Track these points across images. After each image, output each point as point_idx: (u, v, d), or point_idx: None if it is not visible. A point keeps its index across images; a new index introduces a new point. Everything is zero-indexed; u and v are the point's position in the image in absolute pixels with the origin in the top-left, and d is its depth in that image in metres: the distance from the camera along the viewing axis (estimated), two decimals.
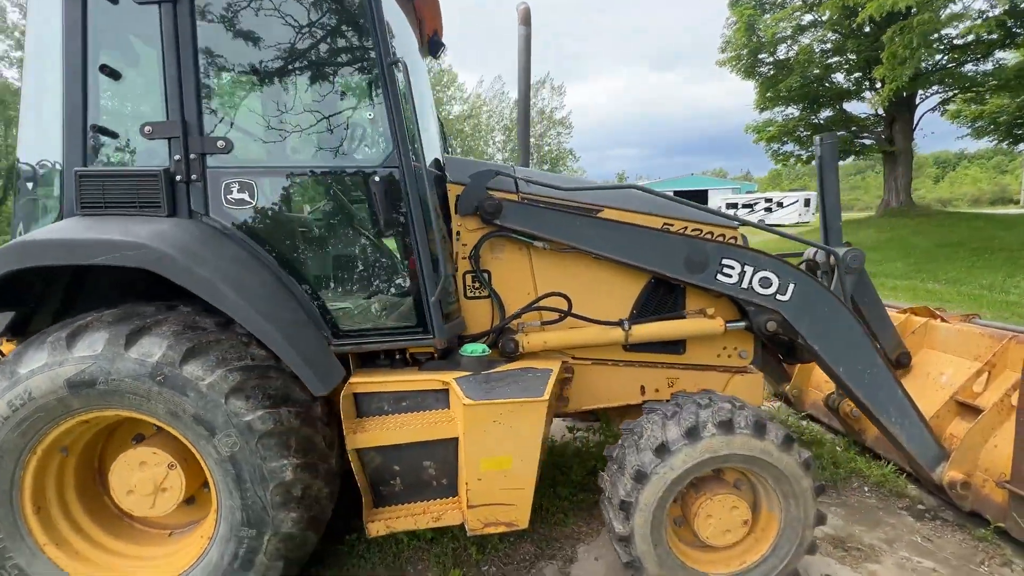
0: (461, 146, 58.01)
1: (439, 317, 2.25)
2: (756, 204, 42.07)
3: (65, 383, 1.81)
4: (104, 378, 1.82)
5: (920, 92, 15.88)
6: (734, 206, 43.67)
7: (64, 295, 2.26)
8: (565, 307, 2.57)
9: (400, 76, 2.14)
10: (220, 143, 2.08)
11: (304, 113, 2.30)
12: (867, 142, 17.75)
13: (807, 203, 39.50)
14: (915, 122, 16.72)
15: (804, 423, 3.83)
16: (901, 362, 3.21)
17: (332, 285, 2.23)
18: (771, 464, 2.01)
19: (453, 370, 2.33)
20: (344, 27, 2.20)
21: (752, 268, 2.52)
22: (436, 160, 2.77)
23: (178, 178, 2.05)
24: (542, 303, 2.57)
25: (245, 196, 2.11)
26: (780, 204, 40.31)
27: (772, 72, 17.32)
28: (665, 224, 2.70)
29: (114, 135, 2.12)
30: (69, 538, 2.04)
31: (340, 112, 2.26)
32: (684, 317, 2.64)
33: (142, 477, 2.03)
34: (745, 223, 2.78)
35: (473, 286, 2.63)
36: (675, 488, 2.03)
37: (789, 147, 18.42)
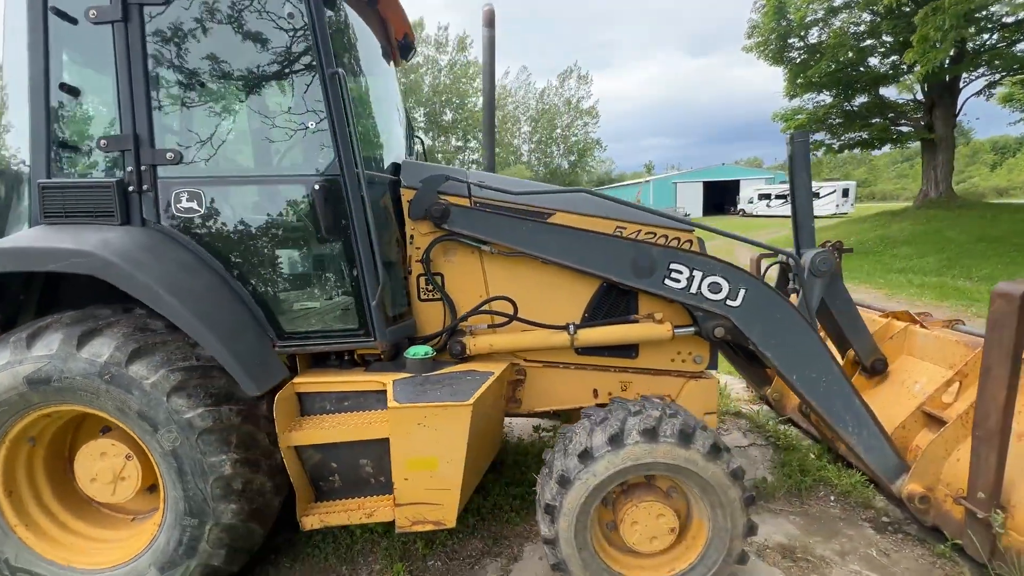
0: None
1: (381, 320, 2.32)
2: (790, 194, 40.46)
3: (24, 380, 1.97)
4: (58, 376, 1.97)
5: (964, 75, 14.89)
6: (766, 197, 42.13)
7: (44, 298, 2.45)
8: (512, 311, 2.61)
9: (341, 85, 2.20)
10: (169, 155, 2.19)
11: (250, 123, 2.39)
12: (904, 129, 16.78)
13: (845, 193, 37.73)
14: (958, 107, 15.68)
15: (784, 427, 3.74)
16: (876, 368, 3.10)
17: (277, 289, 2.32)
18: (696, 473, 2.00)
19: (397, 371, 2.40)
20: (286, 38, 2.26)
21: (701, 273, 2.48)
22: (394, 164, 2.83)
23: (131, 188, 2.18)
24: (489, 307, 2.61)
25: (194, 204, 2.22)
26: (816, 195, 38.50)
27: (803, 57, 16.57)
28: (618, 228, 2.69)
29: (76, 148, 2.27)
30: (39, 520, 2.23)
31: (284, 121, 2.34)
32: (632, 322, 2.62)
33: (103, 466, 2.20)
34: (698, 227, 2.73)
35: (427, 289, 2.69)
36: (598, 494, 2.04)
37: (820, 136, 17.60)
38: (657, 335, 2.56)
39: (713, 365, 2.78)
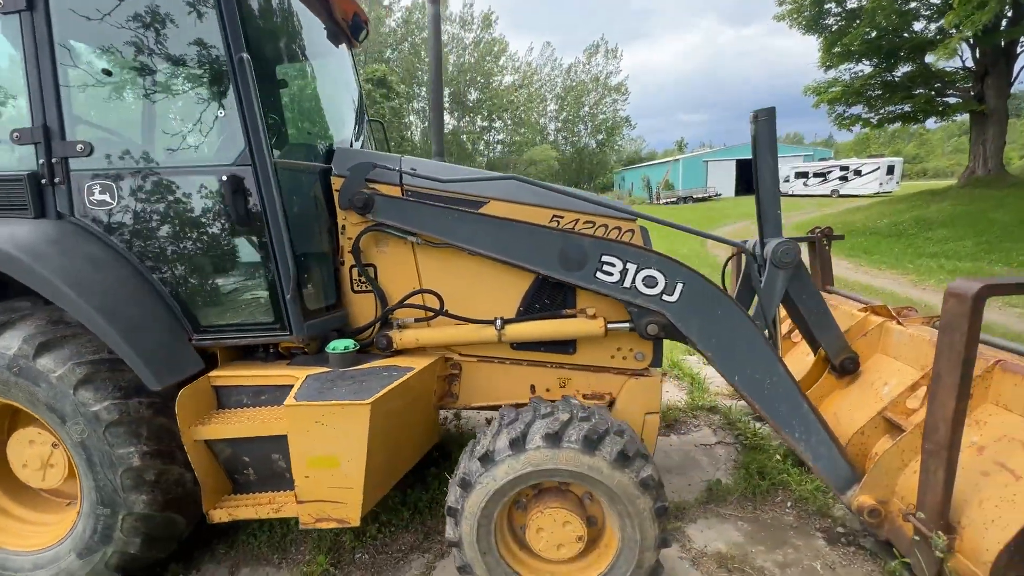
0: (512, 117, 57.24)
1: (297, 314, 2.28)
2: (829, 173, 38.26)
3: None
4: None
5: (1022, 40, 13.53)
6: (804, 175, 40.05)
7: None
8: (438, 304, 2.52)
9: (249, 72, 2.11)
10: (79, 146, 2.18)
11: (163, 113, 2.35)
12: (952, 100, 15.46)
13: (890, 171, 35.45)
14: (1013, 76, 14.30)
15: (758, 425, 3.54)
16: (846, 368, 2.86)
17: (192, 282, 2.30)
18: (600, 482, 1.89)
19: (319, 365, 2.37)
20: (196, 26, 2.19)
21: (635, 266, 2.32)
22: (328, 151, 2.75)
23: (43, 181, 2.18)
24: (422, 300, 2.53)
25: (106, 197, 2.21)
26: (858, 172, 36.40)
27: (839, 24, 15.41)
28: (554, 217, 2.54)
29: None
30: None
31: (195, 111, 2.28)
32: (563, 316, 2.49)
33: (31, 453, 2.27)
34: (639, 216, 2.54)
35: (359, 280, 2.63)
36: (500, 498, 1.96)
37: (856, 110, 16.44)
38: (588, 331, 2.43)
39: (657, 362, 2.62)
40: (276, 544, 2.62)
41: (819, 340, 2.87)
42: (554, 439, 1.89)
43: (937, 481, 1.94)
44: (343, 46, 3.34)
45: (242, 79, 2.11)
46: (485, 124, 55.10)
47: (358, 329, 2.60)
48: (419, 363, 2.39)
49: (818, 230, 3.80)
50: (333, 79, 3.31)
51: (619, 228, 2.54)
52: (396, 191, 2.56)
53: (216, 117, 2.25)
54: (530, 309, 2.57)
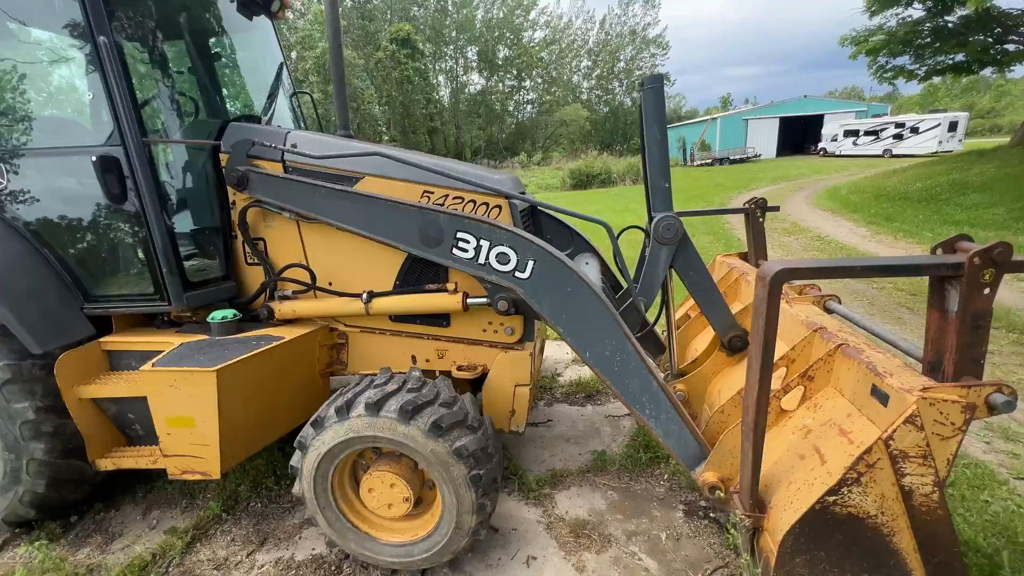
0: (543, 76, 55.31)
1: (176, 286, 2.45)
2: (883, 130, 35.28)
3: None
4: None
5: None
6: (853, 134, 37.17)
7: None
8: (309, 278, 2.64)
9: (111, 53, 2.21)
10: None
11: (46, 96, 2.49)
12: (1012, 47, 13.79)
13: (952, 127, 32.36)
14: None
15: None
16: (734, 345, 2.81)
17: (80, 256, 2.50)
18: (415, 450, 2.01)
19: (202, 333, 2.56)
20: (65, 10, 2.28)
21: (488, 243, 2.34)
22: (222, 126, 2.84)
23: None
24: (288, 274, 2.65)
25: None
26: (914, 130, 33.41)
27: None
28: (425, 192, 2.57)
29: None
30: None
31: (74, 93, 2.41)
32: (427, 291, 2.56)
33: None
34: (509, 196, 2.52)
35: (251, 254, 2.77)
36: (332, 460, 2.12)
37: (901, 61, 14.95)
38: (447, 306, 2.49)
39: (528, 336, 2.67)
40: (187, 490, 2.92)
41: (707, 317, 2.83)
42: (374, 408, 2.01)
43: (748, 461, 1.95)
44: (261, 19, 3.38)
45: (107, 61, 2.21)
46: (514, 83, 53.52)
47: (246, 300, 2.77)
48: (293, 333, 2.54)
49: (752, 202, 3.64)
50: (247, 54, 3.36)
51: (487, 204, 2.54)
52: (277, 167, 2.64)
53: (90, 99, 2.38)
54: (406, 283, 2.65)
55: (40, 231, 2.46)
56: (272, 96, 3.43)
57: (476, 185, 2.53)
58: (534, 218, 3.25)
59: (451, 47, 47.83)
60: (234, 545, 2.51)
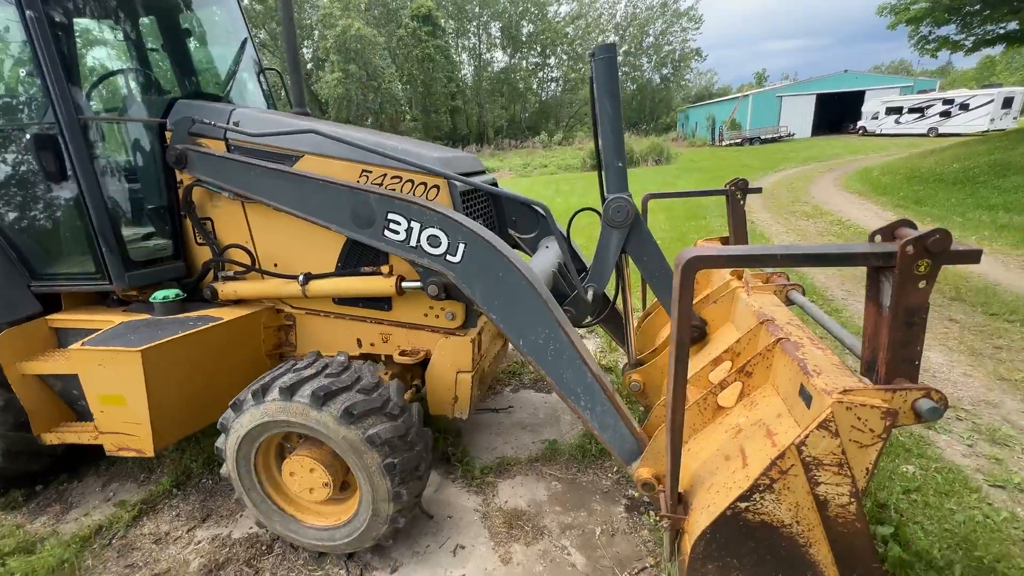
0: (568, 52, 53.76)
1: (117, 265, 2.46)
2: (929, 107, 33.04)
3: None
4: None
5: None
6: (896, 111, 34.95)
7: None
8: (248, 260, 2.60)
9: (42, 29, 2.18)
10: None
11: None
12: None
13: (1007, 104, 30.07)
14: None
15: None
16: (690, 336, 2.67)
17: (25, 234, 2.53)
18: (328, 436, 1.97)
19: (146, 312, 2.57)
20: None
21: (419, 224, 2.25)
22: (169, 103, 2.80)
23: None
24: (230, 254, 2.63)
25: None
26: (964, 107, 31.18)
27: None
28: (364, 171, 2.48)
29: None
30: None
31: (12, 71, 2.40)
32: (360, 274, 2.49)
33: None
34: (442, 175, 2.40)
35: (200, 233, 2.76)
36: (252, 442, 2.11)
37: (946, 30, 13.82)
38: (382, 289, 2.43)
39: (471, 322, 2.59)
40: (146, 465, 2.99)
41: (662, 305, 2.69)
42: (288, 392, 1.97)
43: (668, 459, 1.84)
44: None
45: (38, 37, 2.18)
46: (538, 60, 52.31)
47: (192, 281, 2.76)
48: (233, 314, 2.53)
49: (732, 184, 3.42)
50: (206, 30, 3.30)
51: (425, 184, 2.44)
52: (220, 146, 2.60)
53: (27, 76, 2.36)
54: (347, 265, 2.59)
55: None
56: (231, 74, 3.38)
57: (412, 164, 2.42)
58: (496, 200, 3.13)
59: (474, 23, 46.91)
60: (178, 520, 2.56)
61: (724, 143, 39.22)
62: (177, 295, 2.58)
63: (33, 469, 2.75)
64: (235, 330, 2.54)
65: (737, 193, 3.41)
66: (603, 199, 2.50)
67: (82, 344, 2.20)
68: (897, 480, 2.44)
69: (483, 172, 3.06)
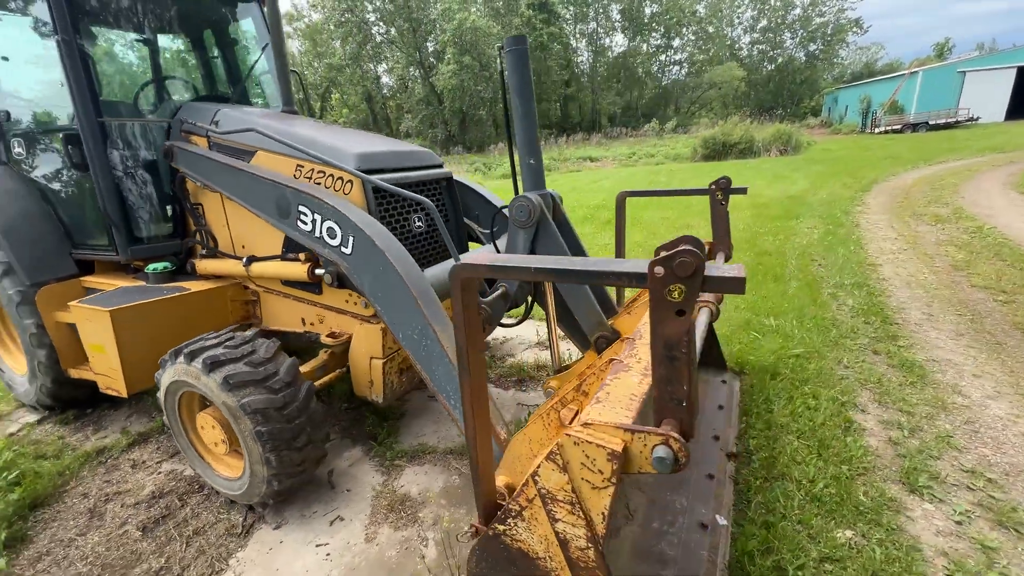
0: (697, 32, 49.81)
1: (123, 240, 3.04)
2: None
3: None
4: None
5: None
6: None
7: None
8: (213, 243, 3.00)
9: (70, 51, 2.76)
10: (1, 114, 3.17)
11: (46, 85, 3.18)
12: None
13: None
14: None
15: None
16: (599, 346, 2.48)
17: (69, 212, 3.21)
18: (214, 399, 2.25)
19: (142, 280, 3.14)
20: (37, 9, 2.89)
21: (320, 217, 2.43)
22: (179, 105, 3.32)
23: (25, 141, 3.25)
24: (200, 235, 3.06)
25: (22, 150, 3.20)
26: None
27: None
28: (298, 166, 2.72)
29: None
30: None
31: (56, 83, 3.05)
32: (284, 259, 2.74)
33: None
34: (350, 172, 2.52)
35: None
36: (174, 396, 2.49)
37: None
38: (296, 274, 2.66)
39: None
40: (144, 406, 3.65)
41: (574, 313, 2.54)
42: (189, 357, 2.30)
43: (473, 471, 1.79)
44: (249, 5, 3.79)
45: (69, 56, 2.77)
46: (661, 42, 49.37)
47: (181, 257, 3.27)
48: (201, 287, 2.97)
49: (716, 182, 3.06)
50: (227, 39, 3.81)
51: (341, 179, 2.59)
52: (204, 142, 3.03)
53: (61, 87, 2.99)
54: (288, 251, 2.87)
55: (45, 191, 3.22)
56: (239, 77, 3.86)
57: (324, 160, 2.56)
58: (451, 194, 3.18)
59: (593, 7, 45.70)
60: (156, 453, 3.10)
61: (879, 129, 33.54)
62: (166, 267, 3.10)
63: (77, 396, 3.52)
64: (201, 300, 2.97)
65: (718, 193, 3.06)
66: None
67: (78, 302, 2.77)
68: (821, 544, 2.06)
69: (434, 166, 3.12)
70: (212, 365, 2.24)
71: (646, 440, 1.24)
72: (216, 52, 3.90)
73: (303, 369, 2.67)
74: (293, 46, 41.87)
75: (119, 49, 3.57)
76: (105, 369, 2.83)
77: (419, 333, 2.25)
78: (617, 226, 3.37)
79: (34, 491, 2.71)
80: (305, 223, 2.48)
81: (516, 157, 2.51)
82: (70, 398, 3.51)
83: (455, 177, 3.22)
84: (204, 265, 3.09)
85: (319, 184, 2.64)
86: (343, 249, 2.38)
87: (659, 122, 38.04)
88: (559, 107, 43.51)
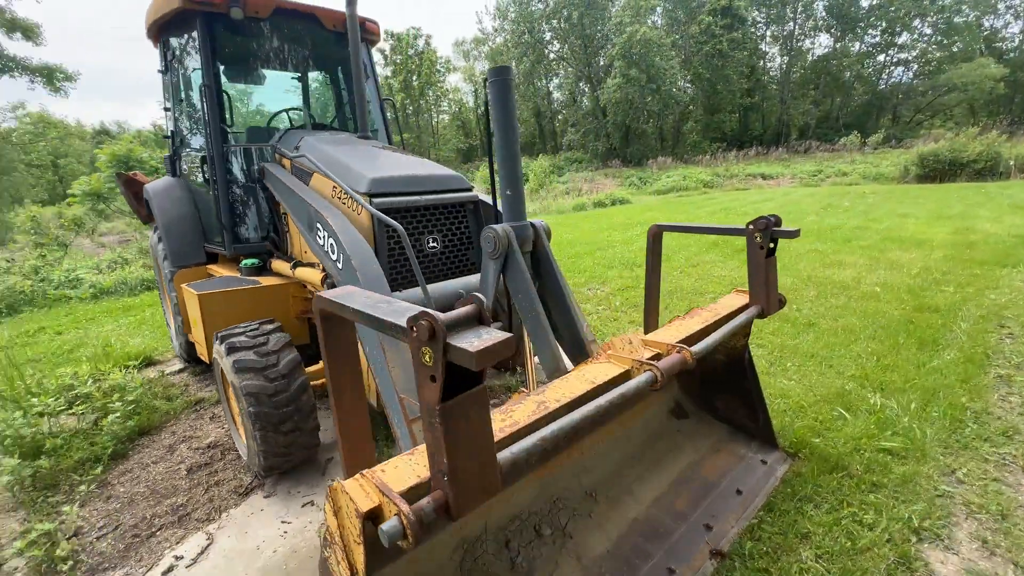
0: (934, 24, 40.23)
1: (228, 239, 3.87)
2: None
3: None
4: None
5: None
6: None
7: None
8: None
9: (207, 94, 3.65)
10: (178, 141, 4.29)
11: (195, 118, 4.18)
12: None
13: None
14: None
15: None
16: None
17: (205, 215, 4.18)
18: (231, 379, 2.72)
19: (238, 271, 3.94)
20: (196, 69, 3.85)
21: (326, 234, 2.75)
22: (283, 133, 4.05)
23: (173, 159, 4.42)
24: (276, 240, 3.68)
25: (185, 167, 4.30)
26: None
27: None
28: (333, 187, 3.12)
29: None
30: None
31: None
32: (308, 266, 3.14)
33: None
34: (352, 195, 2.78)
35: None
36: (217, 368, 3.06)
37: None
38: (314, 280, 3.02)
39: None
40: None
41: (534, 347, 2.41)
42: (220, 340, 2.82)
43: None
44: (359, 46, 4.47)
45: (207, 98, 3.67)
46: (879, 40, 41.33)
47: (266, 256, 3.98)
48: (269, 282, 3.61)
49: (752, 223, 2.56)
50: (335, 75, 4.53)
51: (356, 200, 2.89)
52: (288, 164, 3.69)
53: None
54: None
55: (195, 199, 4.27)
56: (340, 107, 4.52)
57: (342, 184, 2.87)
58: (476, 215, 3.29)
59: (790, 6, 40.55)
60: (214, 421, 3.85)
61: None
62: (253, 263, 3.83)
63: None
64: (268, 293, 3.59)
65: (756, 235, 2.60)
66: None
67: (186, 284, 3.61)
68: None
69: (457, 190, 3.23)
70: (230, 349, 2.72)
71: (390, 505, 1.19)
72: (308, 88, 4.69)
73: (314, 368, 3.05)
74: (477, 68, 46.39)
75: (246, 88, 4.52)
76: (199, 338, 3.63)
77: (376, 349, 2.40)
78: (648, 263, 3.06)
79: (146, 422, 3.61)
80: (320, 238, 2.84)
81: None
82: (196, 356, 4.56)
83: (483, 199, 3.30)
84: (276, 265, 3.74)
85: (344, 204, 2.99)
86: (338, 264, 2.66)
87: (860, 135, 31.97)
88: (738, 118, 39.72)
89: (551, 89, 43.29)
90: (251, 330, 2.87)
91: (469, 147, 44.81)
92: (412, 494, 1.24)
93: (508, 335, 1.09)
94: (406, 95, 36.54)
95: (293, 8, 3.96)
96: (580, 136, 36.78)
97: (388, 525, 1.12)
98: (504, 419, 1.58)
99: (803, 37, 42.87)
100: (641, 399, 2.19)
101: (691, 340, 2.17)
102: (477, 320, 1.16)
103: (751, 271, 2.58)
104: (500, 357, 1.09)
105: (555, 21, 36.49)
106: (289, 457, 2.81)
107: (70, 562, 2.38)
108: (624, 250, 9.19)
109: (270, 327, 2.94)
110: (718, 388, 2.95)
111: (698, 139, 35.19)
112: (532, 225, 2.48)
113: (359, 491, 1.26)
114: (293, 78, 4.99)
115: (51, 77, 19.80)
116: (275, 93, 5.17)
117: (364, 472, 1.34)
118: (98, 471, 3.07)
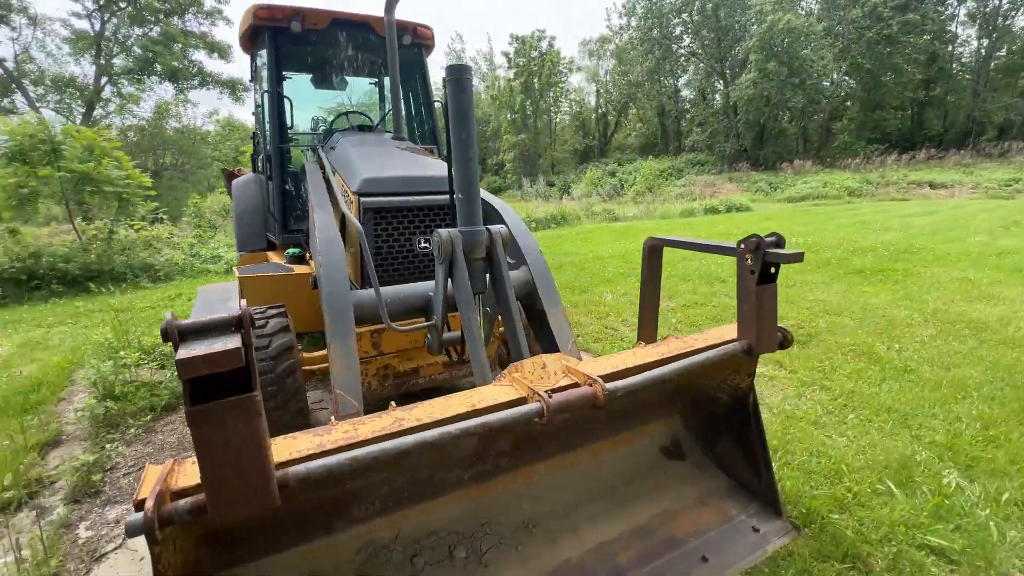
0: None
1: (279, 229, 4.33)
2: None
3: None
4: None
5: None
6: None
7: None
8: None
9: (270, 101, 4.12)
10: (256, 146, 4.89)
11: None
12: None
13: None
14: None
15: None
16: None
17: (267, 206, 4.70)
18: None
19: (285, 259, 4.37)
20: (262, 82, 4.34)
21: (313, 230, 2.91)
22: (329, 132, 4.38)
23: (260, 158, 5.05)
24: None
25: (260, 164, 4.88)
26: None
27: None
28: (342, 186, 3.29)
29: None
30: None
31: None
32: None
33: None
34: (352, 192, 2.87)
35: None
36: None
37: None
38: (311, 272, 3.20)
39: None
40: None
41: (471, 358, 2.28)
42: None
43: None
44: (417, 54, 4.71)
45: (270, 105, 4.14)
46: None
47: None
48: (301, 270, 3.95)
49: (743, 242, 2.13)
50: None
51: (351, 197, 3.01)
52: (322, 163, 4.00)
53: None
54: None
55: (263, 192, 4.83)
56: (395, 109, 4.73)
57: (345, 182, 3.02)
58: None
59: None
60: None
61: None
62: (294, 253, 4.22)
63: None
64: (297, 280, 3.92)
65: (747, 257, 2.19)
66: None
67: (236, 268, 4.10)
68: None
69: (446, 193, 3.18)
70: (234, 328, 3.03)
71: (151, 500, 1.21)
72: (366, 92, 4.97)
73: (312, 355, 3.26)
74: (602, 67, 45.55)
75: (305, 91, 4.95)
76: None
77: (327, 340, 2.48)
78: (644, 276, 2.74)
79: None
80: (313, 235, 3.02)
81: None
82: None
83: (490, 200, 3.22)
84: (307, 255, 4.07)
85: (350, 201, 3.14)
86: (319, 258, 2.80)
87: None
88: (909, 115, 33.50)
89: (679, 87, 40.85)
90: (257, 313, 3.15)
91: (586, 148, 44.28)
92: (185, 492, 1.26)
93: (235, 347, 1.05)
94: (526, 96, 37.27)
95: (348, 18, 4.26)
96: (707, 136, 34.14)
97: (133, 518, 1.14)
98: (322, 435, 1.52)
99: (1013, 12, 34.48)
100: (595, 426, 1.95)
101: (625, 374, 1.88)
102: (233, 327, 1.13)
103: (739, 299, 2.16)
104: (216, 368, 1.05)
105: (686, 14, 34.27)
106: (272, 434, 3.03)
107: (94, 490, 2.86)
108: (711, 262, 8.32)
109: (274, 312, 3.20)
110: (720, 432, 2.54)
111: (850, 140, 30.41)
112: (487, 231, 2.35)
113: (151, 477, 1.30)
114: (371, 83, 5.38)
115: (234, 88, 24.07)
116: (357, 97, 5.62)
117: (180, 461, 1.38)
118: (148, 419, 3.64)
